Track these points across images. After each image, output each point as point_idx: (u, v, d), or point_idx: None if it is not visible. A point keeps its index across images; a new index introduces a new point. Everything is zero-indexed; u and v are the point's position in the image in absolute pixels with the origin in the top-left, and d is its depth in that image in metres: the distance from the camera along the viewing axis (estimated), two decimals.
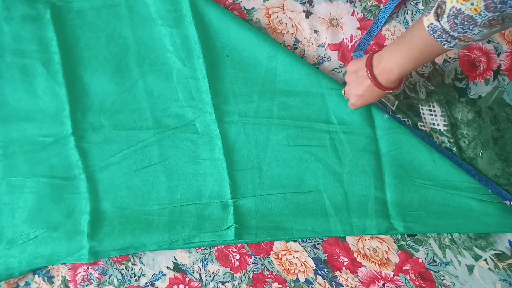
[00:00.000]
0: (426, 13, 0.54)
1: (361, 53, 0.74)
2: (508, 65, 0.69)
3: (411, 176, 0.73)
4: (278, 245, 0.80)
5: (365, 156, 0.74)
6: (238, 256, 0.82)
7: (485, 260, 0.71)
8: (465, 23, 0.50)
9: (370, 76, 0.62)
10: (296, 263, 0.80)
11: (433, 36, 0.54)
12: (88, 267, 0.87)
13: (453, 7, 0.50)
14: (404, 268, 0.75)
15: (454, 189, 0.71)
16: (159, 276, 0.85)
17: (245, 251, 0.81)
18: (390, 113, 0.75)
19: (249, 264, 0.82)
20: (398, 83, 0.63)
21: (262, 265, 0.81)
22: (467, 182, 0.70)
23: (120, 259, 0.86)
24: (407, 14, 0.73)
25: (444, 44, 0.54)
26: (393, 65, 0.60)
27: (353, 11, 0.75)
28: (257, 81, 0.79)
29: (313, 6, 0.77)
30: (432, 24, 0.53)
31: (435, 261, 0.74)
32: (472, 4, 0.48)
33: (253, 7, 0.80)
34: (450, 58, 0.72)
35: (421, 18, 0.55)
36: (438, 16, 0.52)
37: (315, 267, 0.79)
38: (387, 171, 0.74)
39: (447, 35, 0.53)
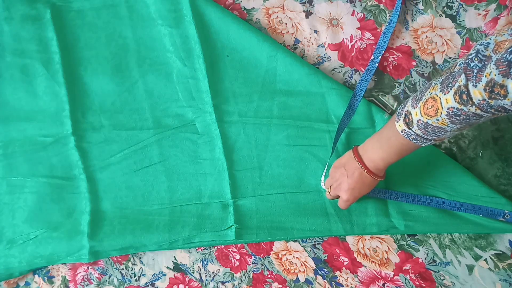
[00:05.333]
0: (397, 119, 0.56)
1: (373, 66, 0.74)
2: None
3: (410, 176, 0.73)
4: (278, 245, 0.80)
5: None
6: (238, 256, 0.82)
7: (485, 260, 0.71)
8: (436, 130, 0.52)
9: (362, 165, 0.63)
10: (296, 263, 0.80)
11: (409, 139, 0.56)
12: (88, 267, 0.87)
13: (420, 120, 0.52)
14: (404, 268, 0.75)
15: (453, 190, 0.71)
16: (159, 276, 0.85)
17: (245, 251, 0.81)
18: (390, 113, 0.75)
19: (249, 264, 0.82)
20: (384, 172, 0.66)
21: (262, 265, 0.81)
22: (466, 184, 0.71)
23: (120, 259, 0.86)
24: (407, 14, 0.73)
25: (421, 144, 0.56)
26: (378, 159, 0.62)
27: (353, 11, 0.75)
28: (257, 81, 0.79)
29: (313, 6, 0.77)
30: (404, 130, 0.55)
31: (435, 261, 0.74)
32: (437, 120, 0.50)
33: (253, 7, 0.80)
34: (450, 58, 0.72)
35: (393, 121, 0.57)
36: (408, 124, 0.54)
37: (315, 267, 0.79)
38: (386, 170, 0.74)
39: (422, 138, 0.55)
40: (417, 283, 0.75)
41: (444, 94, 0.48)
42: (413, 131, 0.54)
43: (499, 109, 0.45)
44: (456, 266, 0.73)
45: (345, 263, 0.78)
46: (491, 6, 0.69)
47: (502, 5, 0.68)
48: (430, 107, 0.50)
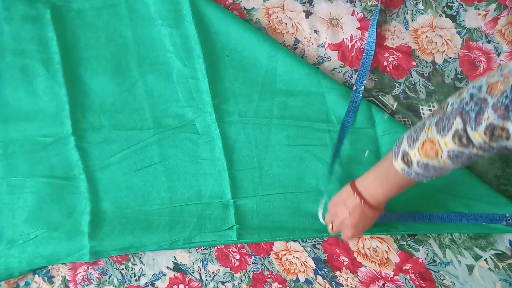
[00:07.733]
0: (394, 158, 0.55)
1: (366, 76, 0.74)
2: None
3: None
4: (278, 245, 0.80)
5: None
6: (238, 256, 0.82)
7: (485, 260, 0.71)
8: (437, 169, 0.52)
9: (363, 201, 0.62)
10: (296, 263, 0.80)
11: (409, 177, 0.55)
12: (88, 267, 0.87)
13: (419, 161, 0.52)
14: (404, 268, 0.75)
15: (454, 189, 0.71)
16: (159, 276, 0.85)
17: (245, 251, 0.81)
18: (390, 113, 0.75)
19: (249, 264, 0.82)
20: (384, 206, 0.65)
21: (262, 265, 0.81)
22: (466, 183, 0.71)
23: (120, 259, 0.86)
24: (407, 14, 0.73)
25: (422, 180, 0.55)
26: (379, 194, 0.61)
27: (353, 11, 0.76)
28: (257, 81, 0.79)
29: (313, 6, 0.77)
30: (404, 169, 0.54)
31: (435, 261, 0.74)
32: (438, 161, 0.50)
33: (253, 7, 0.80)
34: (450, 58, 0.72)
35: (390, 159, 0.56)
36: (407, 164, 0.54)
37: (315, 267, 0.79)
38: None
39: (422, 176, 0.54)
40: (417, 283, 0.75)
41: (442, 137, 0.48)
42: (413, 171, 0.54)
43: (502, 149, 0.45)
44: (456, 266, 0.73)
45: (345, 263, 0.78)
46: (491, 6, 0.69)
47: (502, 5, 0.68)
48: (429, 149, 0.50)
